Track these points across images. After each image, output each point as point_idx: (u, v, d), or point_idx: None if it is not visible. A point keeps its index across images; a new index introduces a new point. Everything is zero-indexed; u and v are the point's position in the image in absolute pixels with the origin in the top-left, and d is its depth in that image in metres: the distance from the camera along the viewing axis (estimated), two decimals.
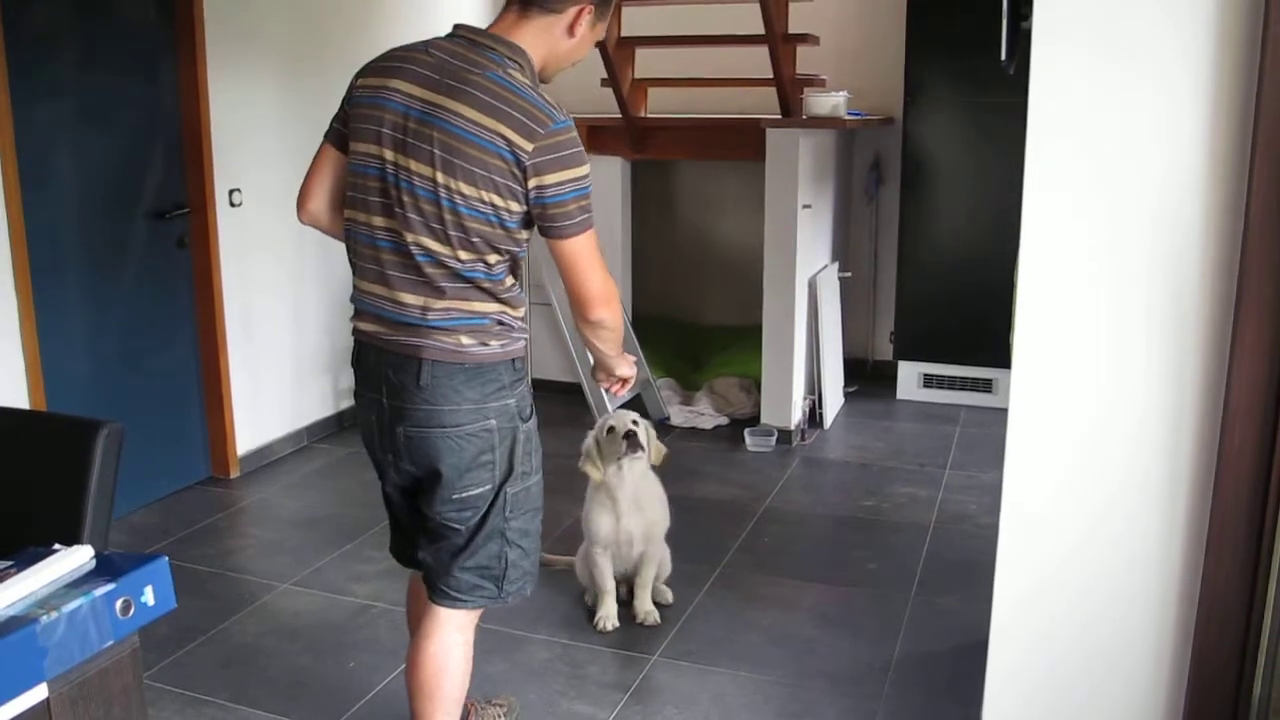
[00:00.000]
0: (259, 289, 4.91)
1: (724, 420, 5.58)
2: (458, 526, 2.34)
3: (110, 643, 1.43)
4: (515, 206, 2.16)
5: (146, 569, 1.47)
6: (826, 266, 5.70)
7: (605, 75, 5.49)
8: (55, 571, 1.44)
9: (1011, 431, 2.23)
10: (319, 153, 2.43)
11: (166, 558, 1.50)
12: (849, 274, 6.03)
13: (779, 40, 5.04)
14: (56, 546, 1.50)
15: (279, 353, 5.11)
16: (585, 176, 2.19)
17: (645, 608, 3.52)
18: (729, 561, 3.99)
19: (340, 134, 2.35)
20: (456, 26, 2.25)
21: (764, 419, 5.35)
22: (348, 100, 2.33)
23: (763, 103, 5.63)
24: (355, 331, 2.39)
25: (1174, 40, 1.97)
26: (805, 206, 5.18)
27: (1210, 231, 2.01)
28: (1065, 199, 2.10)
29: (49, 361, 3.94)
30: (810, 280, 5.37)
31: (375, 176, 2.22)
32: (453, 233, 2.16)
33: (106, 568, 1.47)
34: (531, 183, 2.13)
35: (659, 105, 6.03)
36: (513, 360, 2.30)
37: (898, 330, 6.03)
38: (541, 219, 2.19)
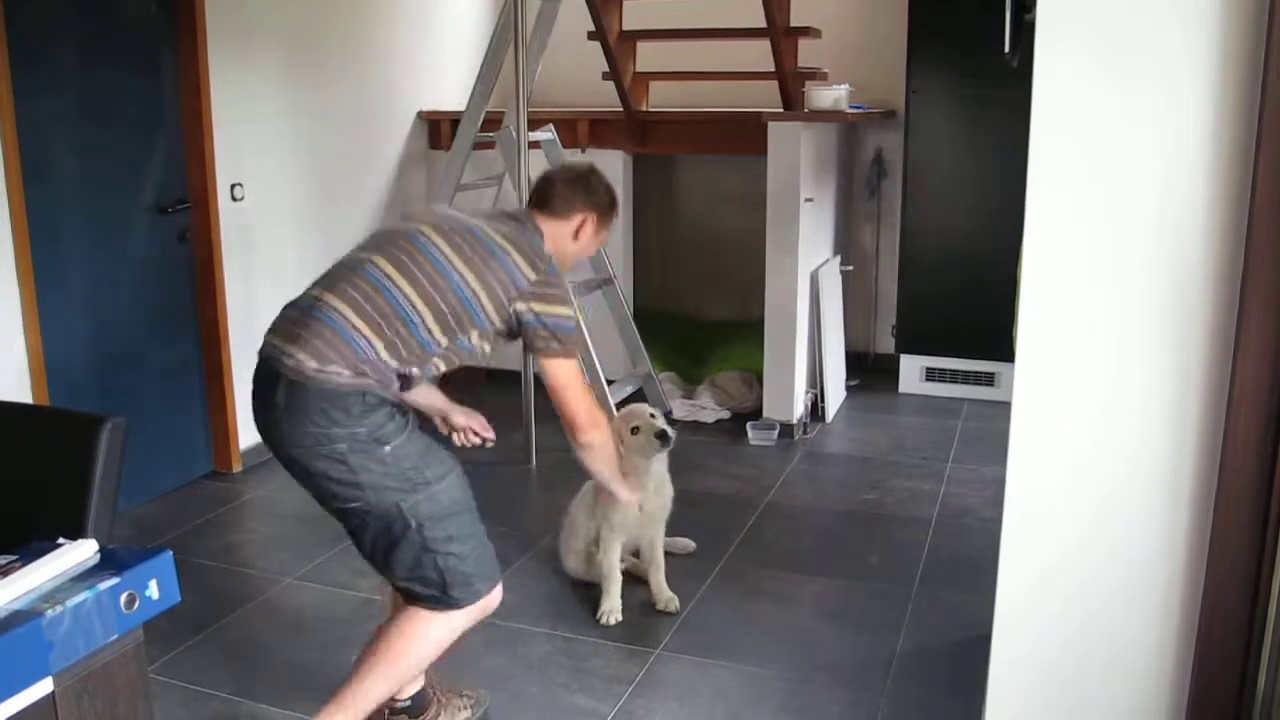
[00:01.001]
0: (260, 283, 4.91)
1: (726, 414, 5.58)
2: (360, 535, 2.53)
3: (115, 636, 1.44)
4: (490, 309, 2.48)
5: (151, 563, 1.48)
6: (828, 260, 5.70)
7: (606, 69, 5.49)
8: (60, 566, 1.45)
9: (1014, 425, 2.23)
10: None
11: (170, 552, 1.50)
12: (851, 268, 6.02)
13: (780, 33, 5.03)
14: (61, 541, 1.51)
15: None
16: (571, 316, 2.57)
17: (666, 594, 3.56)
18: (731, 555, 3.99)
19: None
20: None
21: (766, 413, 5.35)
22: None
23: (764, 96, 5.62)
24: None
25: (1177, 36, 1.97)
26: (807, 200, 5.18)
27: (1214, 225, 2.00)
28: (1068, 194, 2.10)
29: (51, 356, 3.95)
30: (812, 274, 5.37)
31: (391, 230, 2.62)
32: (441, 304, 2.45)
33: (111, 562, 1.47)
34: (523, 304, 2.50)
35: (660, 99, 6.02)
36: (364, 393, 2.41)
37: (900, 324, 6.03)
38: (530, 335, 2.54)
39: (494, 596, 2.57)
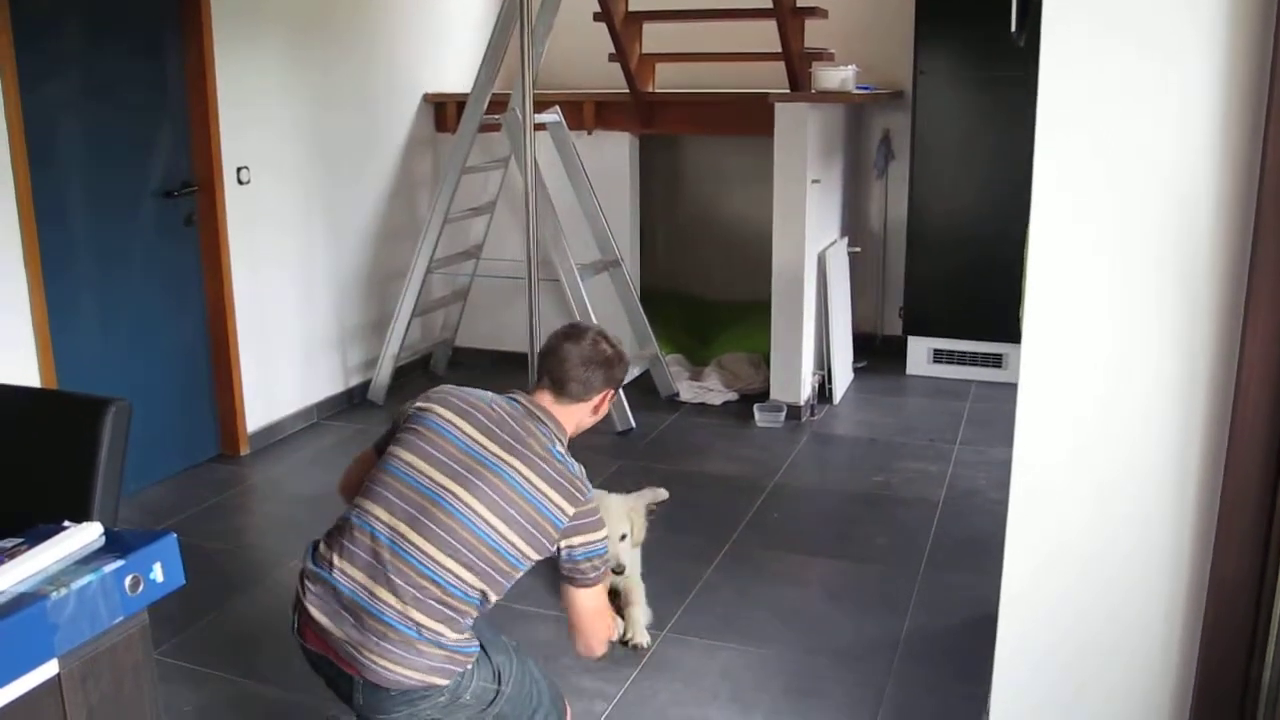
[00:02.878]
0: (267, 266, 4.91)
1: (733, 396, 5.58)
2: None
3: (120, 619, 1.44)
4: (534, 555, 2.42)
5: (155, 546, 1.48)
6: (835, 242, 5.69)
7: (612, 50, 5.46)
8: (65, 549, 1.45)
9: (1020, 406, 2.22)
10: (363, 456, 2.68)
11: (175, 534, 1.50)
12: (858, 249, 6.01)
13: (787, 14, 5.01)
14: (66, 524, 1.50)
15: (288, 330, 5.12)
16: (605, 537, 2.51)
17: (641, 633, 3.35)
18: (738, 537, 3.99)
19: (385, 444, 2.55)
20: (513, 392, 2.59)
21: (773, 395, 5.34)
22: (402, 416, 2.55)
23: (771, 78, 5.59)
24: None
25: (1185, 13, 1.95)
26: (814, 181, 5.16)
27: (1222, 205, 1.99)
28: (1075, 174, 2.08)
29: (59, 340, 3.95)
30: (819, 255, 5.36)
31: (412, 487, 2.42)
32: (489, 569, 2.39)
33: (116, 545, 1.47)
34: (563, 542, 2.43)
35: (667, 80, 6.00)
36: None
37: (907, 305, 6.01)
38: (568, 569, 2.49)
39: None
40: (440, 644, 2.35)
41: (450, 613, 2.36)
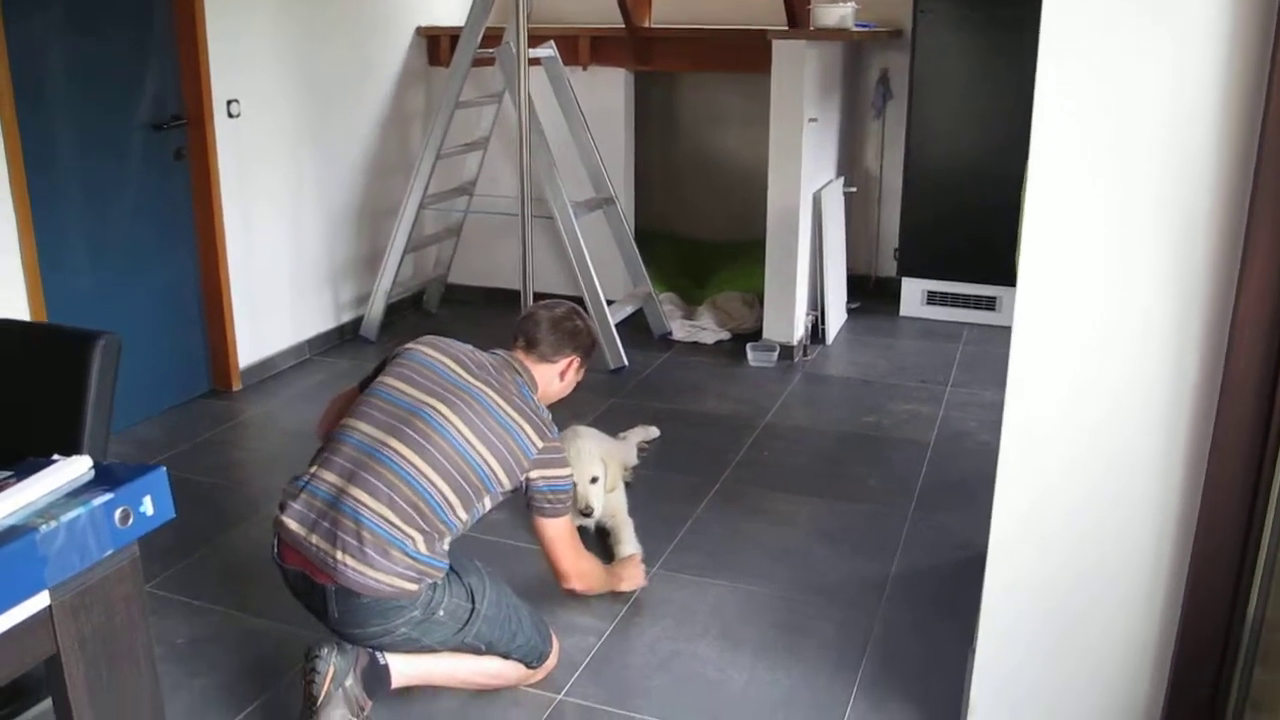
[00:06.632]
0: (258, 201, 4.87)
1: (726, 335, 5.57)
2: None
3: (110, 552, 1.44)
4: (505, 480, 2.63)
5: (145, 479, 1.48)
6: (831, 181, 5.65)
7: None
8: (54, 482, 1.44)
9: (1014, 349, 2.22)
10: (345, 393, 2.95)
11: (164, 468, 1.50)
12: (854, 189, 5.97)
13: None
14: (55, 457, 1.50)
15: (279, 265, 5.09)
16: (569, 475, 2.78)
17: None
18: (729, 476, 4.01)
19: (369, 383, 2.76)
20: (493, 349, 2.84)
21: (766, 334, 5.34)
22: (389, 357, 2.80)
23: (769, 14, 5.53)
24: None
25: None
26: (811, 120, 5.11)
27: (1222, 150, 1.97)
28: (1074, 116, 2.06)
29: (49, 278, 3.92)
30: (814, 195, 5.32)
31: (395, 404, 2.63)
32: (461, 481, 2.56)
33: (105, 478, 1.47)
34: (531, 473, 2.66)
35: (663, 16, 5.93)
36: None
37: (902, 247, 5.99)
38: (533, 498, 2.73)
39: (554, 656, 2.83)
40: (409, 552, 2.46)
41: (420, 520, 2.49)
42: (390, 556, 2.44)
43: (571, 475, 2.83)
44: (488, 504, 2.64)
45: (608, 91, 5.75)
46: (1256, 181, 1.92)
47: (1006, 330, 2.27)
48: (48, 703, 1.51)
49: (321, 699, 2.44)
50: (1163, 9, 1.96)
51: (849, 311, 5.96)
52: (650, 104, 6.36)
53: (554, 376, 2.89)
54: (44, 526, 1.35)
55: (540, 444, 2.67)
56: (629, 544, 3.40)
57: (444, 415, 2.58)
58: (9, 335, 2.36)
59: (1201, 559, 2.15)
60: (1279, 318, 1.95)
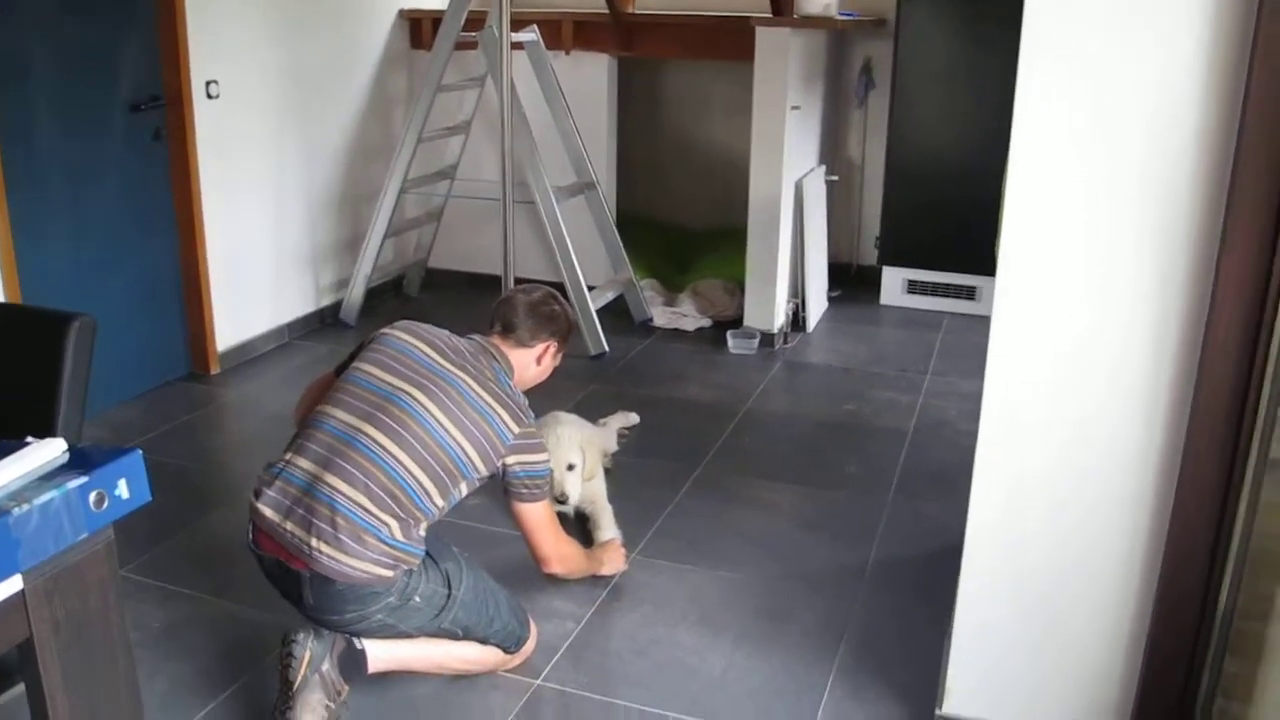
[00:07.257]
0: (238, 183, 4.83)
1: (706, 322, 5.57)
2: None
3: (84, 535, 1.43)
4: (481, 467, 2.62)
5: (120, 462, 1.47)
6: (813, 169, 5.65)
7: None
8: (27, 464, 1.43)
9: (993, 338, 2.22)
10: (321, 379, 2.93)
11: (140, 451, 1.49)
12: (836, 178, 5.97)
13: None
14: (29, 439, 1.49)
15: (259, 248, 5.06)
16: (546, 460, 2.76)
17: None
18: (708, 463, 4.01)
19: (344, 368, 2.74)
20: (470, 335, 2.83)
21: (747, 321, 5.34)
22: (364, 341, 2.78)
23: (753, 1, 5.51)
24: None
25: None
26: (794, 108, 5.10)
27: (1202, 143, 1.98)
28: (1056, 107, 2.06)
29: (24, 259, 3.87)
30: (796, 183, 5.32)
31: (371, 390, 2.61)
32: (436, 467, 2.55)
33: (80, 461, 1.46)
34: (507, 459, 2.66)
35: (647, 2, 5.90)
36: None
37: (883, 235, 6.00)
38: (510, 484, 2.72)
39: (532, 641, 2.83)
40: (385, 539, 2.45)
41: (396, 507, 2.48)
42: (365, 543, 2.43)
43: (549, 460, 2.82)
44: (464, 490, 2.64)
45: (591, 76, 5.73)
46: (1235, 172, 1.93)
47: (986, 320, 2.28)
48: (21, 688, 1.50)
49: (298, 684, 2.43)
50: (1143, 5, 1.96)
51: (830, 300, 5.97)
52: (633, 90, 6.34)
53: (531, 361, 2.88)
54: (17, 509, 1.34)
55: (516, 430, 2.66)
56: (609, 530, 3.41)
57: (420, 402, 2.57)
58: None
59: (1176, 550, 2.17)
60: (1255, 314, 1.97)
